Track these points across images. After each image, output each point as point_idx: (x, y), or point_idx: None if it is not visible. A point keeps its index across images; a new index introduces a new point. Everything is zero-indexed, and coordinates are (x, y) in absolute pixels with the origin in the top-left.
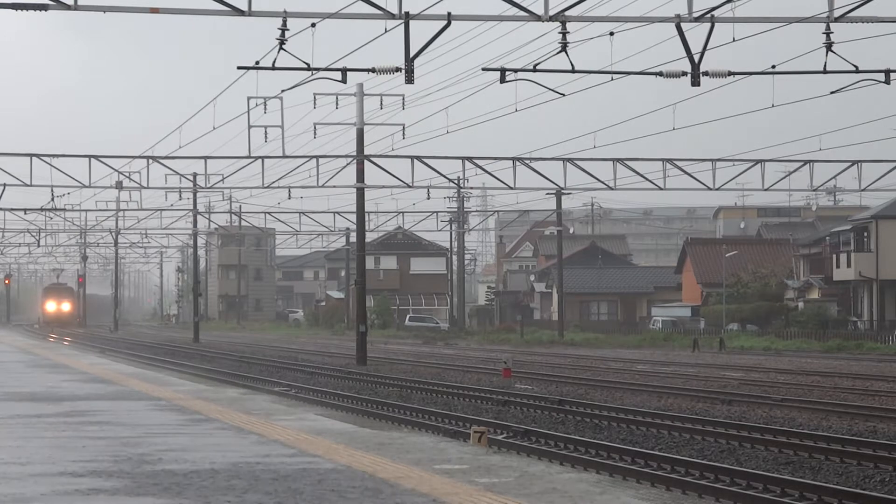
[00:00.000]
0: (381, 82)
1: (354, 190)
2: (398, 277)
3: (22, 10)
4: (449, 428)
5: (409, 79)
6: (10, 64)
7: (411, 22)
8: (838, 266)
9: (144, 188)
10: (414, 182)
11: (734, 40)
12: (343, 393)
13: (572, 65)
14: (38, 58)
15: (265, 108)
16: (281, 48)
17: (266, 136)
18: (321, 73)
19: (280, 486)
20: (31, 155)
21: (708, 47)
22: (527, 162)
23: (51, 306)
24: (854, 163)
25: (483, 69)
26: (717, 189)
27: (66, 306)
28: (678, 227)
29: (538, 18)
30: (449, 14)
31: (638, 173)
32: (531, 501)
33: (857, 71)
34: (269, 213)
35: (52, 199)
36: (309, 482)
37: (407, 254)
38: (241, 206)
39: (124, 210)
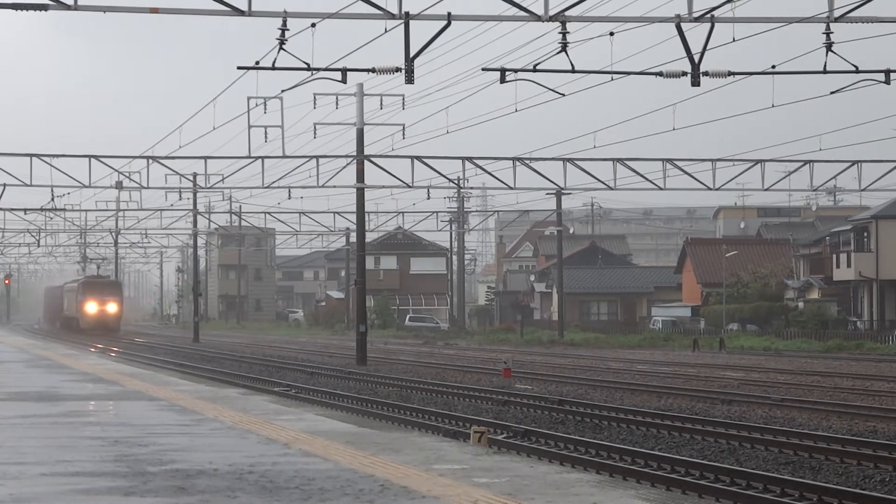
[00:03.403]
0: (381, 82)
1: (354, 190)
2: (398, 277)
3: (22, 10)
4: (449, 428)
5: (409, 79)
6: (10, 64)
7: (411, 22)
8: (838, 266)
9: (144, 188)
10: (414, 182)
11: (734, 40)
12: (343, 393)
13: (572, 65)
14: (38, 58)
15: (265, 108)
16: (281, 48)
17: (266, 136)
18: (321, 73)
19: (280, 486)
20: (31, 155)
21: (708, 47)
22: (527, 162)
23: (91, 307)
24: (854, 163)
25: (483, 69)
26: (717, 189)
27: (112, 307)
28: (678, 227)
29: (538, 18)
30: (449, 14)
31: (638, 173)
32: (531, 502)
33: (857, 71)
34: (269, 213)
35: (52, 199)
36: (308, 482)
37: (407, 254)
38: (241, 206)
39: (124, 210)
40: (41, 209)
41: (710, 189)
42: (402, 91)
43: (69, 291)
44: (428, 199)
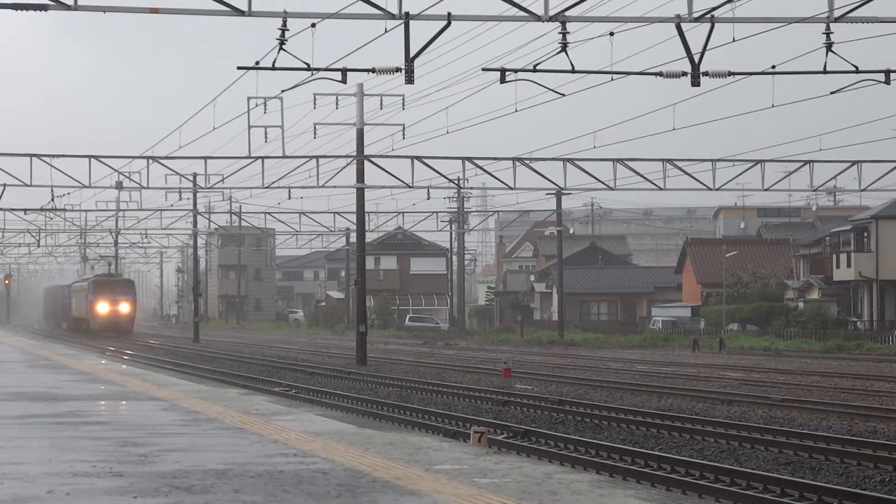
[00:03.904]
0: (381, 82)
1: (354, 190)
2: (398, 277)
3: (22, 10)
4: (449, 428)
5: (409, 79)
6: (11, 64)
7: (411, 22)
8: (838, 266)
9: (144, 188)
10: (414, 182)
11: (734, 40)
12: (343, 393)
13: (572, 65)
14: (38, 58)
15: (265, 109)
16: (281, 48)
17: (266, 137)
18: (321, 74)
19: (280, 486)
20: (31, 155)
21: (708, 47)
22: (527, 162)
23: (102, 307)
24: (854, 163)
25: (483, 69)
26: (717, 189)
27: (125, 307)
28: (678, 227)
29: (538, 18)
30: (449, 14)
31: (638, 173)
32: (531, 502)
33: (857, 71)
34: (269, 213)
35: (52, 199)
36: (308, 482)
37: (407, 254)
38: (241, 207)
39: (124, 210)
40: (41, 209)
41: (710, 189)
42: (402, 91)
43: (78, 291)
44: (428, 199)
